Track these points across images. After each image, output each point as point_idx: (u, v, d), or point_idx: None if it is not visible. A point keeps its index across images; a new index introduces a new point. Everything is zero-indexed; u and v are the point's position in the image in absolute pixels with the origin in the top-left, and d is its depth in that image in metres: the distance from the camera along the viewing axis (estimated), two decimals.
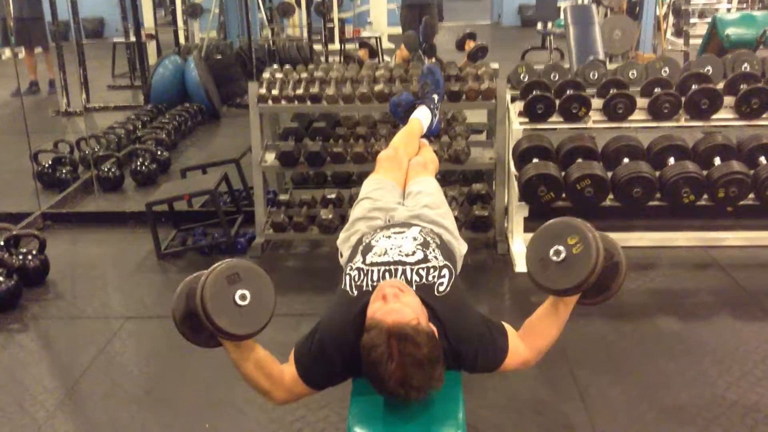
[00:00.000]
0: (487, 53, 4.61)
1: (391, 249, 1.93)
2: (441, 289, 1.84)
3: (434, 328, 1.73)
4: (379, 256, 1.92)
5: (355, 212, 2.33)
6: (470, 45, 4.84)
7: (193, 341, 1.86)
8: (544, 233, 1.85)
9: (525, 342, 1.90)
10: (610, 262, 1.84)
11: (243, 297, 1.71)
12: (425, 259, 1.89)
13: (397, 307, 1.69)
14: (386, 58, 8.73)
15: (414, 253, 1.91)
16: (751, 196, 3.70)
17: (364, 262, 1.92)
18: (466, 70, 3.99)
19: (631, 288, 3.49)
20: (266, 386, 1.85)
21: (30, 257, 3.73)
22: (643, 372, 2.81)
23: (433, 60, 4.89)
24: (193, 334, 1.85)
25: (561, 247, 1.78)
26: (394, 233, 2.03)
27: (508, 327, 1.92)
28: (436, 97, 3.04)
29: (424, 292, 1.81)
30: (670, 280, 3.58)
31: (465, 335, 1.81)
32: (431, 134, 3.04)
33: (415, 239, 1.99)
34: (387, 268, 1.86)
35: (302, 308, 3.40)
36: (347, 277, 1.90)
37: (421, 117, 2.90)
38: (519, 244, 3.83)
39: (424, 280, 1.84)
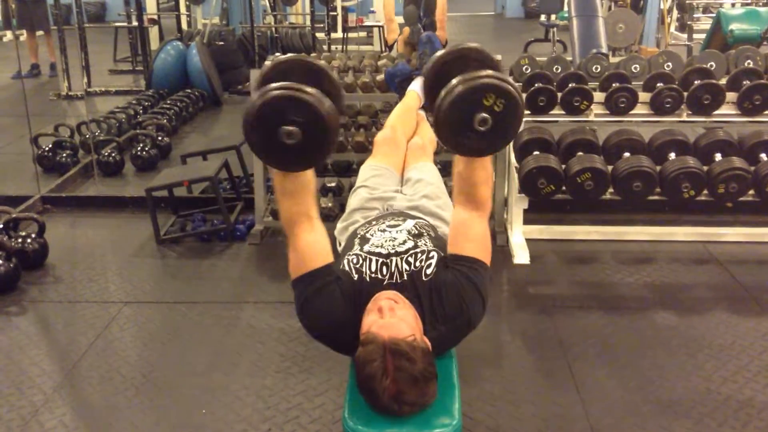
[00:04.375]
0: None
1: (386, 242, 1.95)
2: (428, 272, 1.86)
3: (429, 344, 1.74)
4: (376, 247, 1.94)
5: (352, 202, 2.33)
6: None
7: (253, 141, 1.69)
8: (455, 111, 1.65)
9: (476, 201, 1.85)
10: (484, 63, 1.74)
11: (290, 135, 1.62)
12: (414, 246, 1.92)
13: (393, 321, 1.71)
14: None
15: (404, 242, 1.94)
16: (751, 192, 3.71)
17: (362, 250, 1.94)
18: None
19: (629, 282, 3.50)
20: (282, 204, 1.86)
21: (29, 240, 3.73)
22: (639, 365, 2.82)
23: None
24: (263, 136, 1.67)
25: (484, 114, 1.64)
26: (389, 226, 2.04)
27: (458, 245, 1.87)
28: None
29: (415, 279, 1.84)
30: (668, 275, 3.58)
31: (456, 307, 1.82)
32: (429, 105, 3.01)
33: (409, 232, 2.00)
34: (384, 260, 1.88)
35: None
36: (346, 260, 1.92)
37: (418, 89, 2.86)
38: (518, 235, 3.83)
39: (412, 267, 1.86)
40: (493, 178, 1.89)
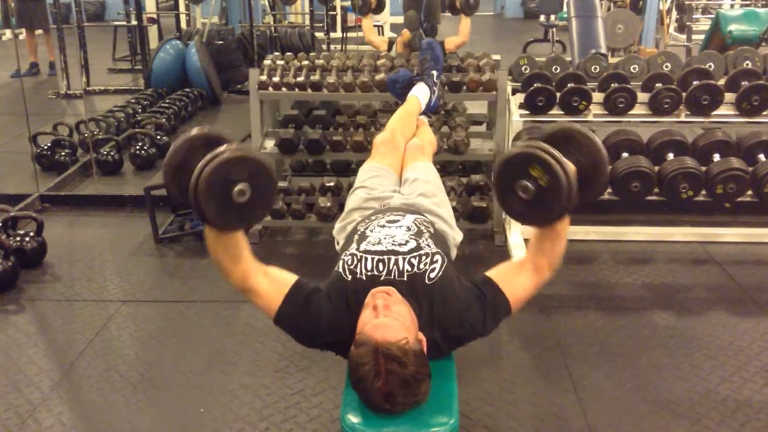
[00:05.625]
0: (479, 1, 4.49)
1: (384, 239, 1.94)
2: (432, 275, 1.85)
3: (423, 341, 1.75)
4: (373, 245, 1.93)
5: (351, 202, 2.33)
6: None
7: (175, 196, 1.77)
8: (507, 171, 1.75)
9: (533, 265, 1.88)
10: (588, 156, 1.77)
11: (242, 193, 1.64)
12: (417, 248, 1.91)
13: (386, 322, 1.72)
14: None
15: (407, 242, 1.92)
16: (749, 192, 3.71)
17: (358, 249, 1.93)
18: (467, 60, 3.98)
19: (627, 282, 3.50)
20: (227, 269, 1.83)
21: (27, 239, 3.73)
22: (637, 365, 2.82)
23: None
24: (178, 191, 1.73)
25: (527, 183, 1.69)
26: (389, 222, 2.04)
27: (496, 274, 1.90)
28: (435, 73, 3.01)
29: (416, 281, 1.83)
30: (667, 275, 3.58)
31: (454, 318, 1.83)
32: (430, 111, 3.02)
33: (408, 229, 2.00)
34: (380, 257, 1.87)
35: None
36: (341, 262, 1.93)
37: (419, 94, 2.88)
38: (516, 235, 3.83)
39: (416, 269, 1.85)
40: (558, 258, 1.89)
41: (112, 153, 5.24)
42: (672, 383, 2.70)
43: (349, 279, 1.86)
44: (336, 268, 1.92)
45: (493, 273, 1.91)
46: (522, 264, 1.91)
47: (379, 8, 5.10)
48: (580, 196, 1.76)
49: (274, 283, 1.86)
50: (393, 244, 1.91)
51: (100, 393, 2.71)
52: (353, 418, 1.73)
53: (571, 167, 1.68)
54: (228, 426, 2.50)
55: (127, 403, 2.64)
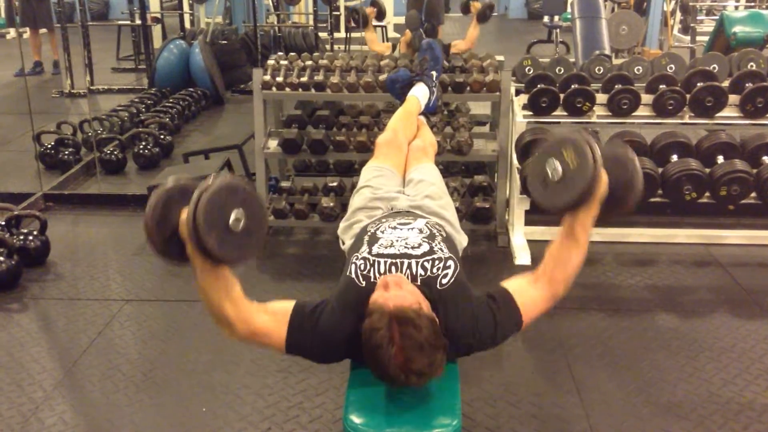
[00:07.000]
0: (494, 10, 4.56)
1: (397, 241, 1.92)
2: (444, 281, 1.82)
3: (436, 320, 1.71)
4: (386, 248, 1.90)
5: (356, 201, 2.32)
6: (476, 6, 4.75)
7: (160, 250, 1.66)
8: (541, 151, 1.80)
9: (548, 276, 1.86)
10: (622, 172, 1.79)
11: (238, 221, 1.59)
12: (431, 251, 1.88)
13: (398, 293, 1.70)
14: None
15: (420, 245, 1.90)
16: (753, 195, 3.71)
17: (370, 252, 1.90)
18: (471, 61, 3.98)
19: (630, 283, 3.50)
20: (231, 316, 1.71)
21: (31, 238, 3.73)
22: (640, 367, 2.82)
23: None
24: (162, 242, 1.65)
25: (557, 163, 1.73)
26: (400, 224, 2.02)
27: (512, 286, 1.88)
28: (434, 73, 3.01)
29: (427, 285, 1.80)
30: (670, 277, 3.58)
31: (465, 326, 1.79)
32: (429, 111, 3.02)
33: (421, 231, 1.97)
34: (393, 261, 1.84)
35: (301, 295, 3.40)
36: (353, 266, 1.88)
37: (419, 94, 2.87)
38: (519, 236, 3.83)
39: (428, 273, 1.82)
40: (574, 271, 1.88)
41: (115, 152, 5.25)
42: (675, 385, 2.70)
43: (363, 285, 1.82)
44: (347, 273, 1.88)
45: (509, 284, 1.89)
46: (537, 277, 1.88)
47: (380, 17, 5.13)
48: (611, 209, 1.82)
49: (274, 315, 1.79)
50: (406, 247, 1.89)
51: (102, 392, 2.71)
52: (356, 419, 1.72)
53: (599, 154, 1.70)
54: (230, 425, 2.51)
55: (130, 402, 2.64)
